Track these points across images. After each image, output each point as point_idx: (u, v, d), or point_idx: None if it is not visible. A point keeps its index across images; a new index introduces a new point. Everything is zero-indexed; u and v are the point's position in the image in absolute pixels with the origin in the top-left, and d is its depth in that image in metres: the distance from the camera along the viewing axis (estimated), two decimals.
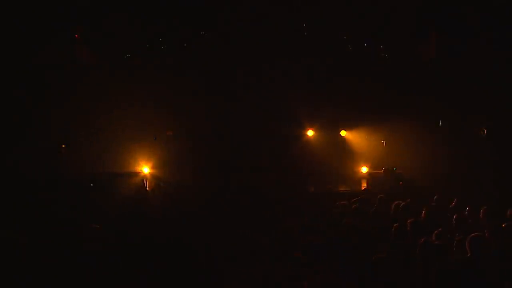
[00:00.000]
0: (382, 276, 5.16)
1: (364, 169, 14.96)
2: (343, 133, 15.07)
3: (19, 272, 4.78)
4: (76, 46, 13.08)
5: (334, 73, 13.60)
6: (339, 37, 13.98)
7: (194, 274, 5.50)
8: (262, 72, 13.81)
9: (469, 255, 5.15)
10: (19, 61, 12.06)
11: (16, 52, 11.95)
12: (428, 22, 12.48)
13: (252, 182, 13.31)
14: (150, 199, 11.91)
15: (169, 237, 6.89)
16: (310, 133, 14.96)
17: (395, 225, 6.23)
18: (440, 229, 6.20)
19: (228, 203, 10.25)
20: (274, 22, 13.22)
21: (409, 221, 6.29)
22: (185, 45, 14.31)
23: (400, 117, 13.29)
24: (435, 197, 9.39)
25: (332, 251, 5.93)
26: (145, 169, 15.11)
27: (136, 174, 14.97)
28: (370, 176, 14.87)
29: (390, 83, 13.32)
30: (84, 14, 12.43)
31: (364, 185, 14.81)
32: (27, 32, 11.83)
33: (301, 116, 14.55)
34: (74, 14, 12.28)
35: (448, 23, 11.86)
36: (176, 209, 9.12)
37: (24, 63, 12.15)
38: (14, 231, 6.83)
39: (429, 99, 12.74)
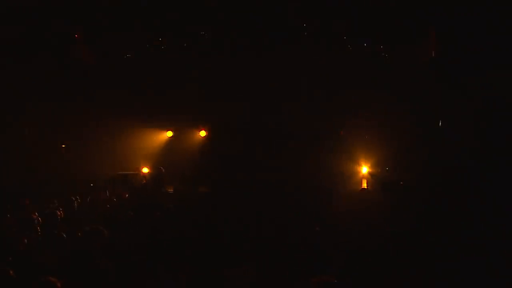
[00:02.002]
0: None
1: (364, 169, 14.96)
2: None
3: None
4: (76, 46, 13.09)
5: (334, 72, 13.63)
6: (339, 36, 13.98)
7: (195, 274, 5.50)
8: (260, 71, 13.87)
9: None
10: (19, 61, 12.08)
11: (16, 52, 11.96)
12: (428, 22, 12.48)
13: (250, 181, 13.34)
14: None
15: (172, 236, 6.90)
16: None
17: None
18: None
19: (227, 203, 10.25)
20: (274, 21, 13.23)
21: None
22: (185, 45, 14.32)
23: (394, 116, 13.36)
24: None
25: (330, 251, 5.95)
26: (145, 169, 15.13)
27: (136, 174, 14.99)
28: (370, 176, 14.88)
29: (387, 83, 13.35)
30: (84, 14, 12.44)
31: (364, 185, 14.82)
32: (27, 32, 11.84)
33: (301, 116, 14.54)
34: (74, 14, 12.29)
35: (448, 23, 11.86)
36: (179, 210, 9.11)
37: (24, 63, 12.17)
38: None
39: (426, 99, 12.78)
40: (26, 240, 6.27)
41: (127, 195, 11.31)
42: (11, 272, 4.50)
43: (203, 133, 15.66)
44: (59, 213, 7.94)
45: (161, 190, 12.52)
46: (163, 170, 13.39)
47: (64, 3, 11.87)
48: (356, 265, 5.67)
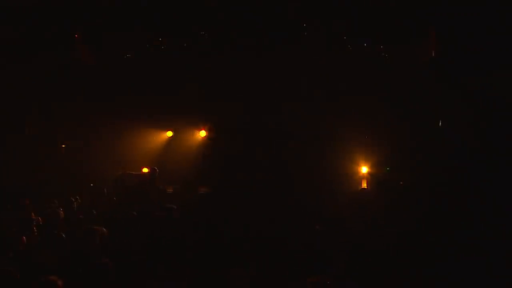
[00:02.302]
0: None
1: (364, 169, 14.93)
2: None
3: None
4: (76, 46, 13.09)
5: (334, 73, 13.62)
6: (339, 36, 13.97)
7: (195, 274, 5.49)
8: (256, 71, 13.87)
9: None
10: (19, 61, 12.08)
11: (16, 52, 11.95)
12: (428, 22, 12.47)
13: (250, 182, 13.35)
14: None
15: (172, 236, 6.90)
16: None
17: None
18: None
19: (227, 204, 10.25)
20: (274, 21, 13.22)
21: None
22: (185, 45, 14.31)
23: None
24: None
25: (330, 251, 5.95)
26: (145, 169, 15.09)
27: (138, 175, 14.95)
28: (370, 176, 14.85)
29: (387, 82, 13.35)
30: (84, 14, 12.43)
31: (364, 185, 14.79)
32: (27, 32, 11.84)
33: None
34: (74, 14, 12.29)
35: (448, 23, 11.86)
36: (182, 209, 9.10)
37: (24, 63, 12.16)
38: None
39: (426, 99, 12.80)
40: (25, 240, 6.27)
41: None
42: (16, 274, 4.49)
43: (203, 133, 15.65)
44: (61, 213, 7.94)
45: (155, 189, 12.46)
46: (157, 169, 13.36)
47: (64, 3, 11.86)
48: (356, 265, 5.68)
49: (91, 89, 13.66)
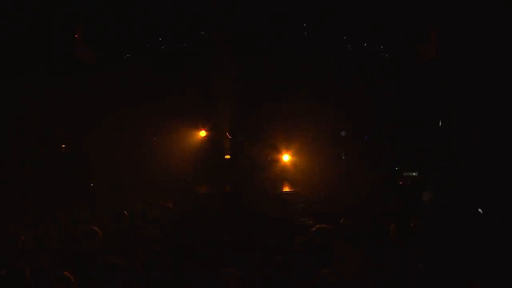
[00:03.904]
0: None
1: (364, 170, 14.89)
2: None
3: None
4: (76, 46, 13.09)
5: (334, 73, 13.64)
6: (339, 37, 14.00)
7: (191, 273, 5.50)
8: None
9: None
10: (20, 61, 12.08)
11: (17, 52, 11.97)
12: (428, 22, 12.50)
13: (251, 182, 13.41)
14: None
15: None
16: None
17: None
18: None
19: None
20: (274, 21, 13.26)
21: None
22: (185, 45, 14.34)
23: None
24: None
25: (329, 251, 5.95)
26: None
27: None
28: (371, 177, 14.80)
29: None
30: (84, 14, 12.45)
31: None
32: (28, 32, 11.84)
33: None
34: (74, 14, 12.30)
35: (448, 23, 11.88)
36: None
37: (25, 63, 12.17)
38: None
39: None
40: (23, 239, 6.25)
41: None
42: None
43: (203, 133, 15.62)
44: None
45: None
46: None
47: (64, 3, 11.88)
48: (354, 265, 5.68)
49: (91, 89, 13.64)
